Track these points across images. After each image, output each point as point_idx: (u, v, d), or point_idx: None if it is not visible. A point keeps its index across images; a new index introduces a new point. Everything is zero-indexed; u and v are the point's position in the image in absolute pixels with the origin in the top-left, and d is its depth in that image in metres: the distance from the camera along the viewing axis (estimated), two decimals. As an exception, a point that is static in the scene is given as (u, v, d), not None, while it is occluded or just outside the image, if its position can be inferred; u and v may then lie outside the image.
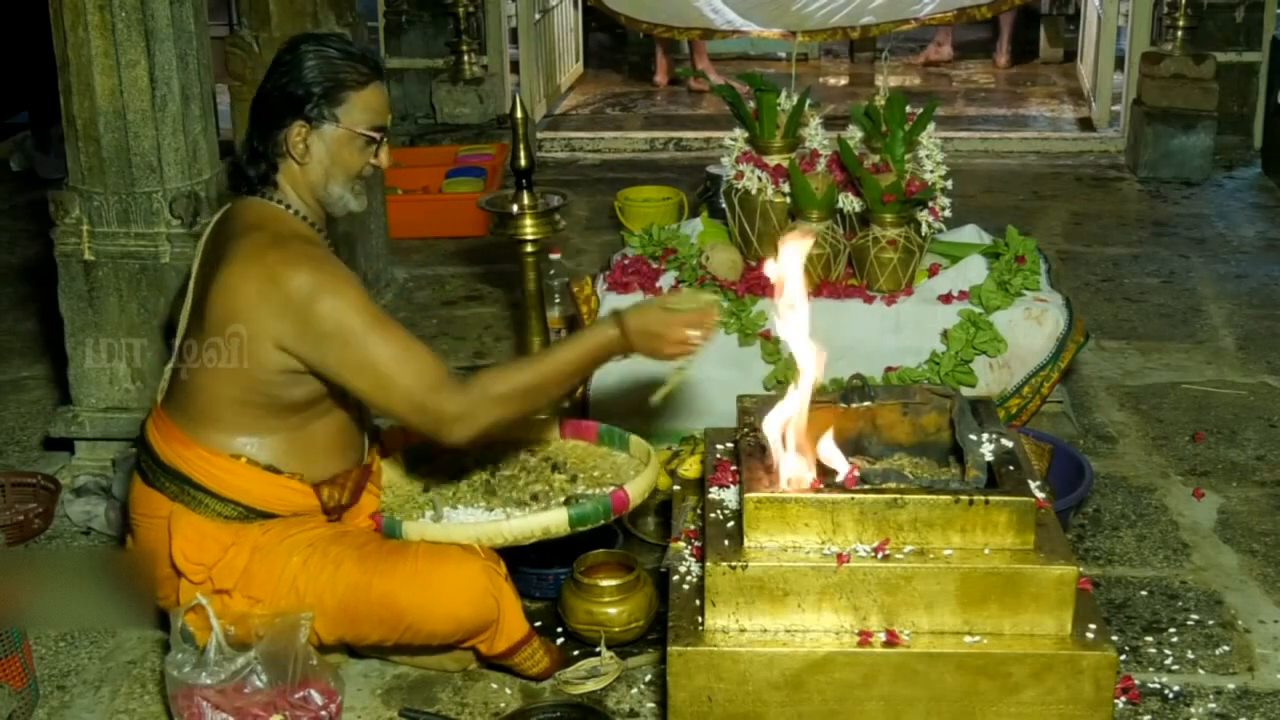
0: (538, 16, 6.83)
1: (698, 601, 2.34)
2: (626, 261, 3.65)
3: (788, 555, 2.29)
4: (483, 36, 6.64)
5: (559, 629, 2.78)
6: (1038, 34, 8.19)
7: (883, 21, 6.70)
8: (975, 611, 2.27)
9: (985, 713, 2.27)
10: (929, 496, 2.29)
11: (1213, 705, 2.55)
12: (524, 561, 2.80)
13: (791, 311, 2.40)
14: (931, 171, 3.42)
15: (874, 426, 2.62)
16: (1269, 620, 2.82)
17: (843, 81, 7.96)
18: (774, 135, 3.55)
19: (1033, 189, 5.95)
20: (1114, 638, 2.49)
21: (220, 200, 3.17)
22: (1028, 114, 7.09)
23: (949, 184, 3.48)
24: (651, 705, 2.57)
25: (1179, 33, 6.07)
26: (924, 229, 3.44)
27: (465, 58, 6.49)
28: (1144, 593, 2.92)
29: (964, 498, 2.28)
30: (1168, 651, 2.71)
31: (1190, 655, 2.70)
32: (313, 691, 2.44)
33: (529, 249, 3.74)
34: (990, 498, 2.28)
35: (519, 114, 3.67)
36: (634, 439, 2.93)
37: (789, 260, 2.39)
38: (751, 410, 2.59)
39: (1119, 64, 6.63)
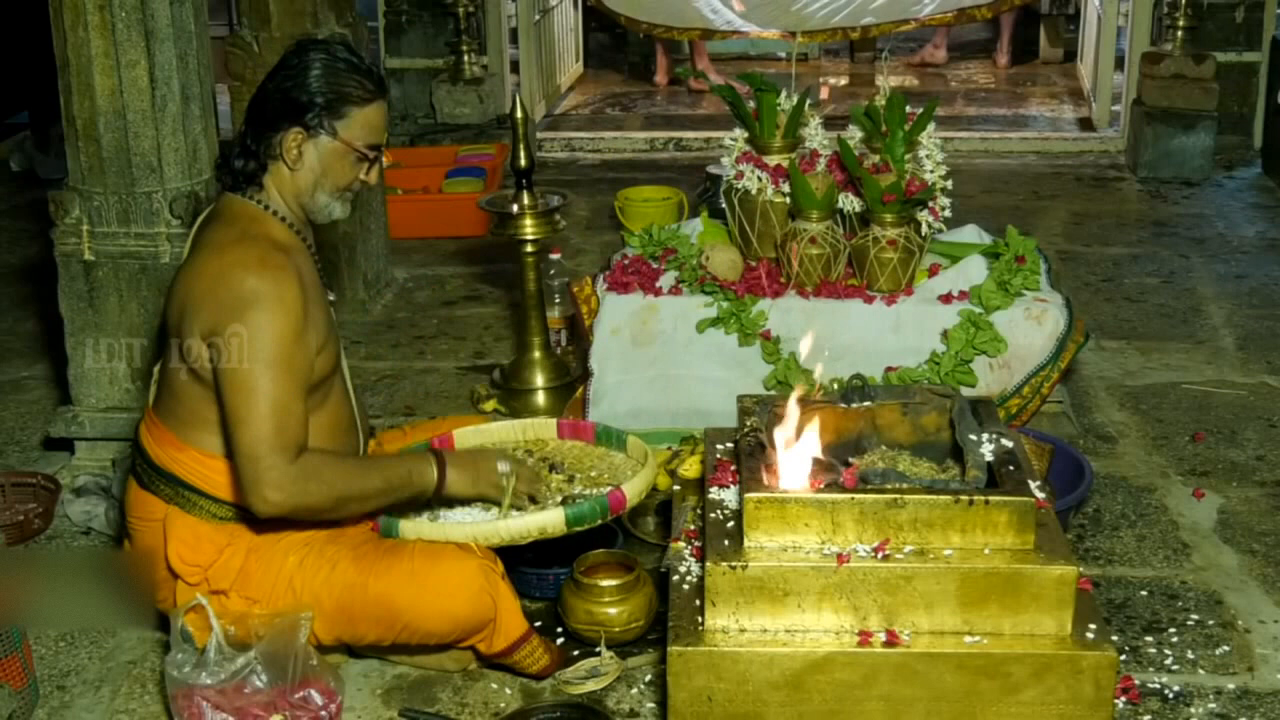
0: (538, 16, 6.83)
1: (698, 601, 2.34)
2: (626, 261, 3.65)
3: (788, 555, 2.29)
4: (483, 36, 6.64)
5: (559, 629, 2.78)
6: (1038, 34, 8.19)
7: (883, 22, 6.71)
8: (975, 611, 2.27)
9: (985, 713, 2.27)
10: (929, 496, 2.29)
11: (1213, 705, 2.55)
12: (523, 561, 2.80)
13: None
14: (931, 171, 3.42)
15: (874, 426, 2.62)
16: (1269, 620, 2.82)
17: (843, 81, 7.97)
18: (774, 135, 3.55)
19: (1033, 189, 5.95)
20: (1114, 638, 2.49)
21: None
22: (1028, 114, 7.09)
23: (949, 184, 3.48)
24: (651, 705, 2.57)
25: (1179, 33, 6.07)
26: (924, 229, 3.44)
27: (465, 58, 6.50)
28: (1144, 593, 2.92)
29: (964, 498, 2.28)
30: (1168, 651, 2.71)
31: (1190, 655, 2.70)
32: (313, 691, 2.44)
33: (529, 249, 3.75)
34: (990, 498, 2.28)
35: (519, 114, 3.68)
36: (632, 439, 2.93)
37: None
38: (751, 410, 2.59)
39: (1119, 64, 6.63)
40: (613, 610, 2.69)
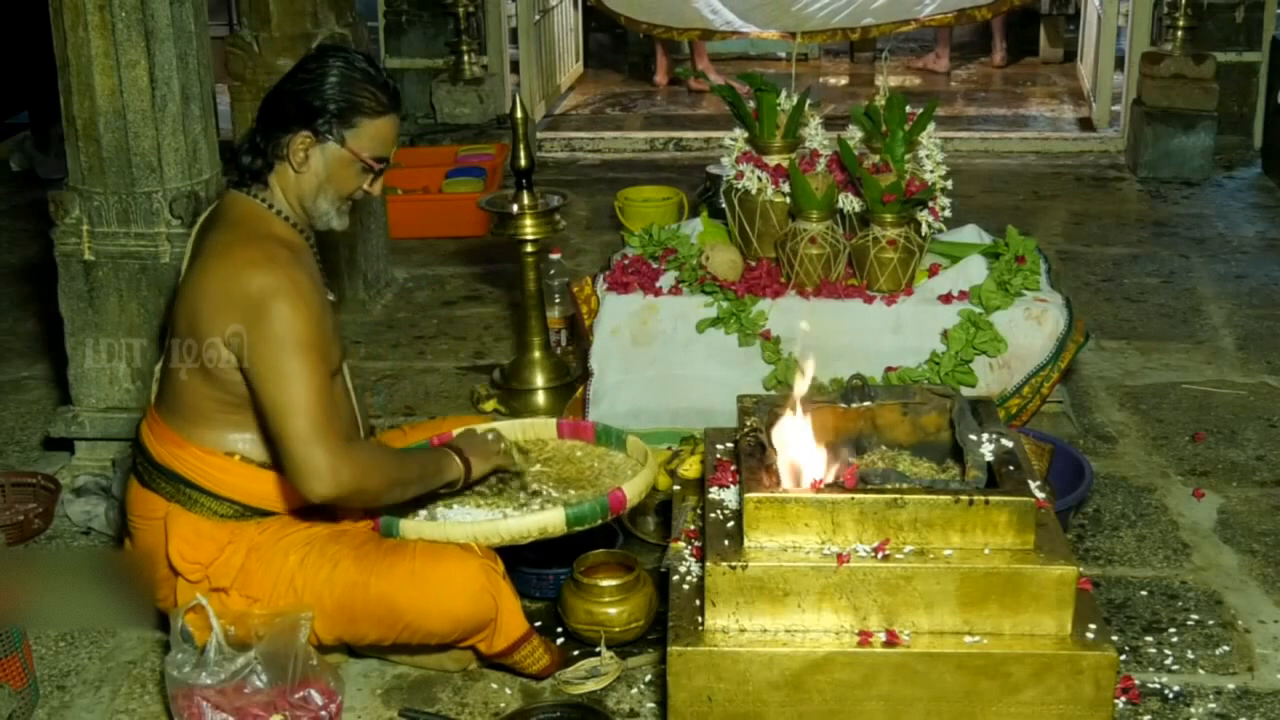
0: (538, 16, 6.83)
1: (698, 601, 2.34)
2: (626, 261, 3.65)
3: (788, 555, 2.29)
4: (483, 36, 6.64)
5: (559, 629, 2.78)
6: (1038, 34, 8.19)
7: (883, 22, 6.71)
8: (975, 611, 2.27)
9: (985, 713, 2.27)
10: (929, 496, 2.29)
11: (1213, 705, 2.55)
12: (524, 561, 2.80)
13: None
14: (931, 171, 3.42)
15: (874, 426, 2.62)
16: (1269, 620, 2.82)
17: (843, 81, 7.97)
18: (774, 135, 3.55)
19: (1033, 189, 5.95)
20: (1114, 638, 2.49)
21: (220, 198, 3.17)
22: (1028, 114, 7.09)
23: (949, 184, 3.48)
24: (651, 705, 2.57)
25: (1179, 33, 6.07)
26: (924, 229, 3.44)
27: (465, 58, 6.50)
28: (1144, 593, 2.92)
29: (964, 498, 2.28)
30: (1168, 651, 2.71)
31: (1190, 655, 2.70)
32: (313, 691, 2.44)
33: (529, 249, 3.75)
34: (990, 498, 2.28)
35: (519, 114, 3.68)
36: (631, 439, 2.93)
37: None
38: (751, 410, 2.59)
39: (1119, 64, 6.63)
40: (613, 610, 2.69)
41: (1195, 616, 2.83)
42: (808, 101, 3.57)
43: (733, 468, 2.55)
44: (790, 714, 2.29)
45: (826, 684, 2.27)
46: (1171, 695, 2.58)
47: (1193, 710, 2.54)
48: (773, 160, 3.54)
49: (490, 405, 3.81)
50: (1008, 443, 2.47)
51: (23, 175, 6.35)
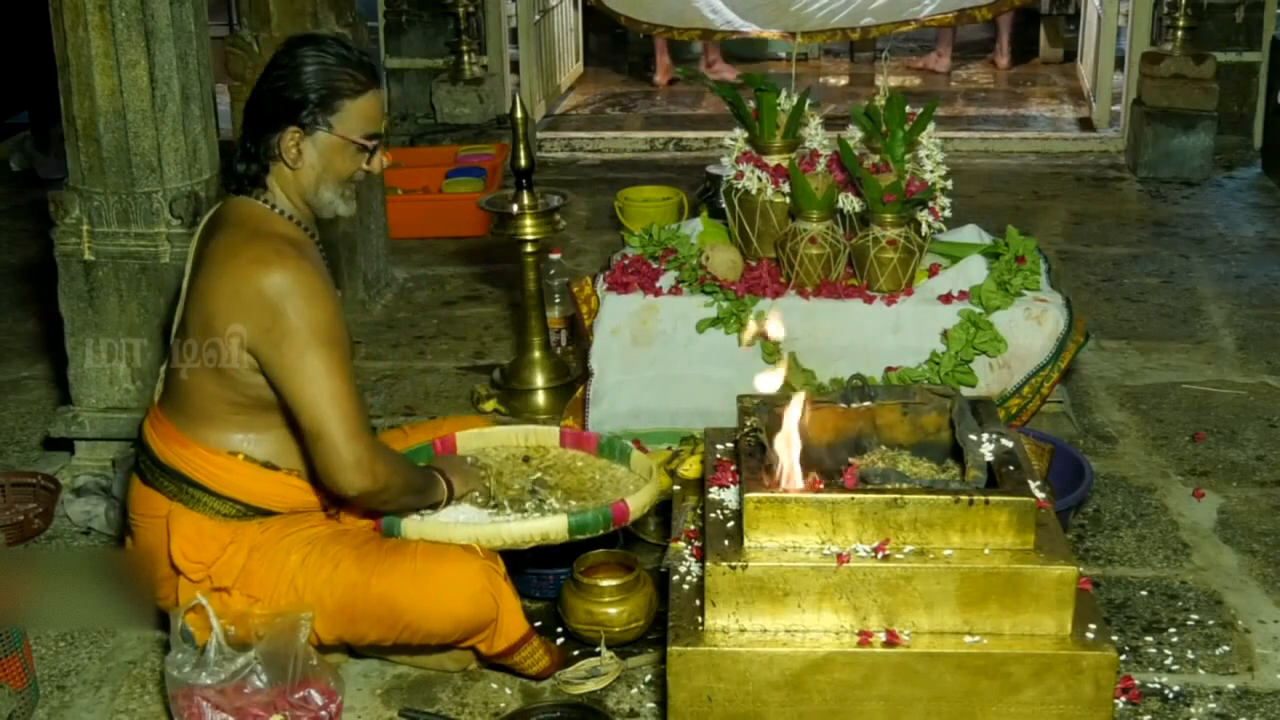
0: (538, 16, 6.83)
1: (698, 601, 2.34)
2: (626, 261, 3.65)
3: (788, 555, 2.29)
4: (483, 36, 6.64)
5: (559, 629, 2.78)
6: (1038, 34, 8.19)
7: (883, 22, 6.70)
8: (975, 611, 2.27)
9: (985, 713, 2.27)
10: (929, 496, 2.29)
11: (1213, 705, 2.55)
12: (524, 561, 2.80)
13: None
14: (931, 171, 3.42)
15: (874, 426, 2.62)
16: (1269, 620, 2.82)
17: (843, 81, 7.97)
18: (774, 135, 3.55)
19: (1033, 189, 5.95)
20: (1114, 638, 2.49)
21: (220, 200, 3.17)
22: (1028, 114, 7.09)
23: (949, 184, 3.48)
24: (651, 705, 2.57)
25: (1179, 33, 6.07)
26: (924, 229, 3.44)
27: (465, 58, 6.50)
28: (1144, 593, 2.92)
29: (964, 498, 2.28)
30: (1168, 651, 2.71)
31: (1190, 655, 2.70)
32: (313, 691, 2.44)
33: (529, 249, 3.75)
34: (990, 498, 2.28)
35: (519, 114, 3.68)
36: (636, 453, 2.92)
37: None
38: (751, 410, 2.59)
39: (1119, 64, 6.63)
40: (613, 610, 2.69)
41: (1195, 616, 2.83)
42: (808, 101, 3.57)
43: (733, 468, 2.55)
44: (790, 714, 2.29)
45: (826, 684, 2.27)
46: (1171, 695, 2.58)
47: (1193, 710, 2.54)
48: (773, 160, 3.54)
49: (490, 405, 3.81)
50: (1008, 443, 2.47)
51: (23, 175, 6.35)
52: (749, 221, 3.56)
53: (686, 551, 2.55)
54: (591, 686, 2.61)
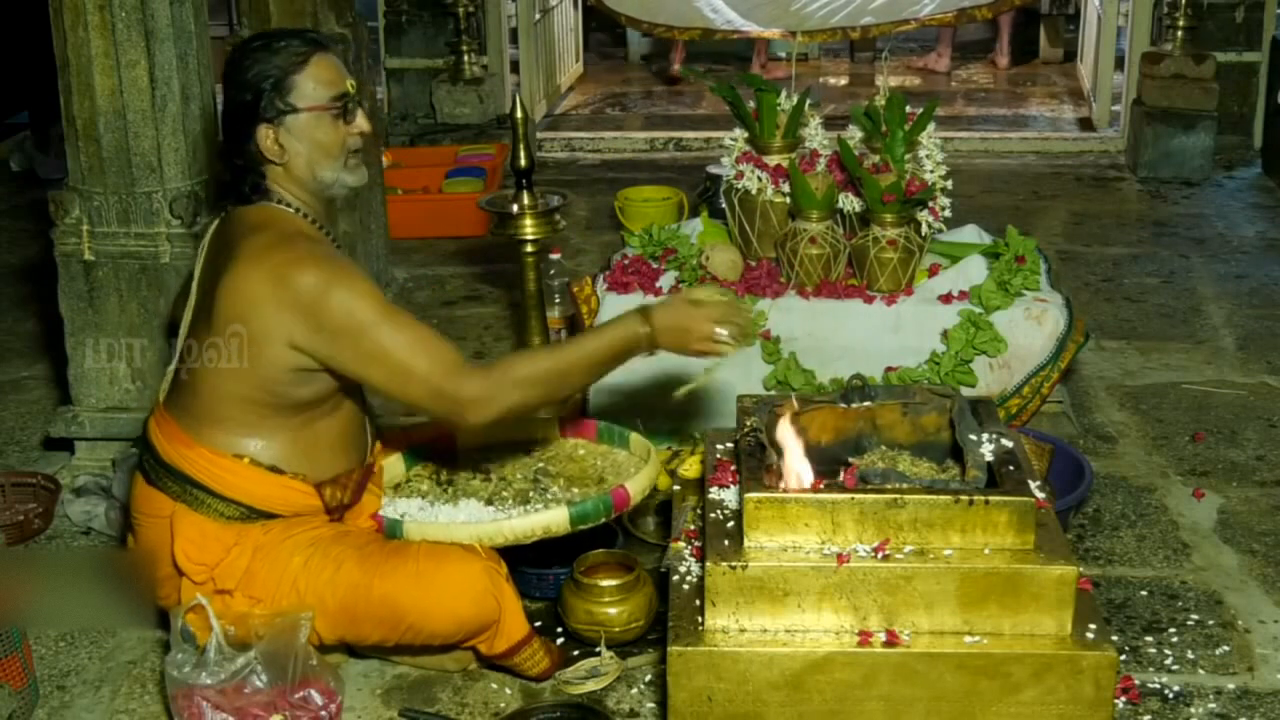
0: (538, 16, 6.83)
1: (698, 601, 2.34)
2: (626, 261, 3.65)
3: (788, 555, 2.29)
4: (483, 36, 6.64)
5: (559, 629, 2.78)
6: (1038, 34, 8.19)
7: (883, 22, 6.70)
8: (975, 611, 2.27)
9: (985, 713, 2.27)
10: (929, 496, 2.29)
11: (1213, 705, 2.55)
12: (524, 561, 2.80)
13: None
14: (931, 171, 3.42)
15: (874, 426, 2.62)
16: (1269, 620, 2.82)
17: (843, 81, 7.97)
18: (774, 135, 3.55)
19: (1033, 189, 5.95)
20: (1114, 638, 2.49)
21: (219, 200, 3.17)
22: (1028, 114, 7.09)
23: (949, 184, 3.48)
24: (651, 705, 2.57)
25: (1179, 33, 6.07)
26: (924, 229, 3.44)
27: (465, 58, 6.50)
28: (1144, 593, 2.92)
29: (964, 498, 2.28)
30: (1168, 651, 2.71)
31: (1190, 655, 2.70)
32: (313, 691, 2.44)
33: (529, 249, 3.74)
34: (990, 498, 2.28)
35: (519, 114, 3.67)
36: (634, 436, 2.93)
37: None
38: (751, 410, 2.59)
39: (1119, 64, 6.63)
40: (613, 610, 2.69)
41: (1195, 616, 2.83)
42: (808, 101, 3.57)
43: (733, 468, 2.55)
44: (790, 714, 2.29)
45: (826, 684, 2.27)
46: (1171, 695, 2.57)
47: (1193, 710, 2.54)
48: (773, 160, 3.54)
49: (490, 405, 3.80)
50: (1008, 443, 2.47)
51: (23, 175, 6.34)
52: (749, 221, 3.56)
53: (686, 551, 2.55)
54: (591, 686, 2.61)
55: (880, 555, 2.27)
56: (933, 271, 3.56)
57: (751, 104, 3.58)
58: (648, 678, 2.65)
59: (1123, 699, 2.51)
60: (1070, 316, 3.44)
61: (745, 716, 2.29)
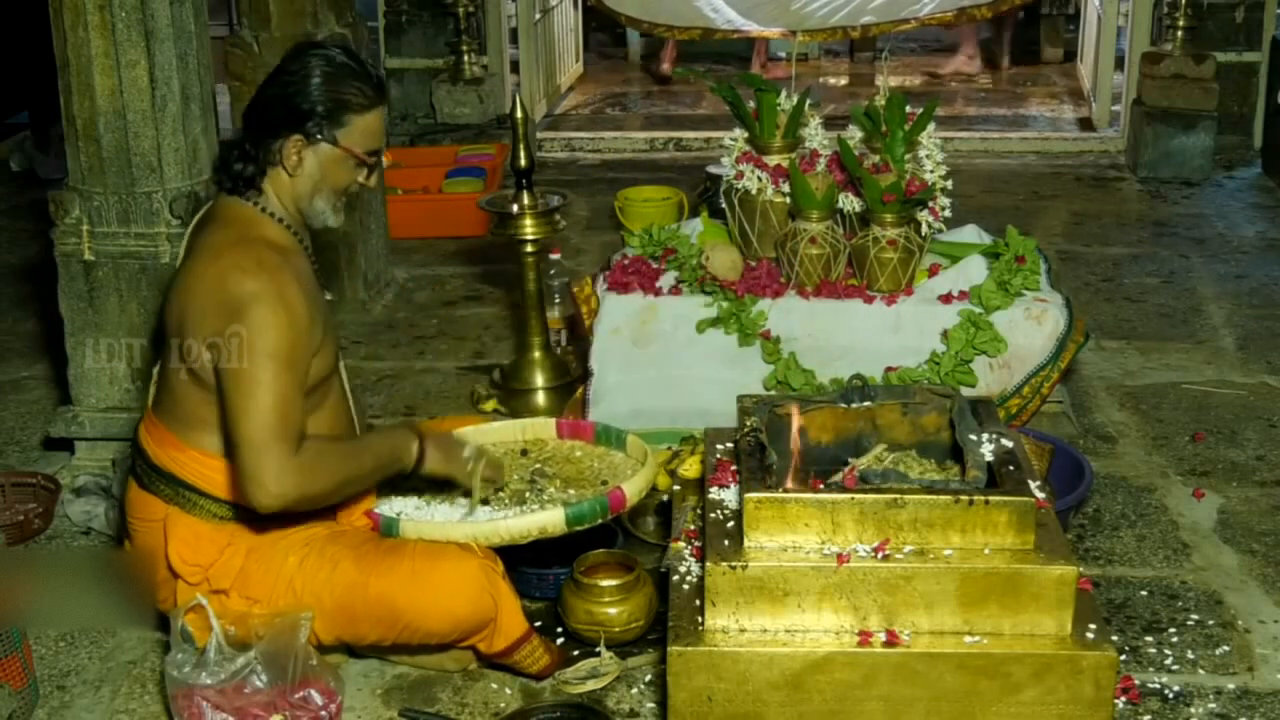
0: (538, 16, 6.83)
1: (698, 601, 2.34)
2: (626, 261, 3.65)
3: (788, 555, 2.29)
4: (483, 36, 6.64)
5: (559, 629, 2.78)
6: (1038, 34, 8.19)
7: (883, 21, 6.70)
8: (975, 611, 2.27)
9: (985, 713, 2.27)
10: (929, 496, 2.29)
11: (1213, 705, 2.55)
12: (523, 561, 2.80)
13: None
14: (931, 171, 3.42)
15: (874, 426, 2.62)
16: (1269, 620, 2.82)
17: (843, 81, 7.97)
18: (774, 135, 3.55)
19: (1033, 189, 5.95)
20: (1114, 638, 2.49)
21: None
22: (1028, 114, 7.09)
23: (949, 184, 3.48)
24: (651, 705, 2.57)
25: (1179, 33, 6.07)
26: (924, 229, 3.44)
27: (465, 58, 6.50)
28: (1144, 593, 2.92)
29: (964, 498, 2.28)
30: (1168, 651, 2.71)
31: (1190, 655, 2.70)
32: (313, 691, 2.44)
33: (529, 249, 3.75)
34: (990, 498, 2.28)
35: (519, 114, 3.68)
36: (631, 438, 2.93)
37: None
38: (751, 410, 2.59)
39: (1119, 64, 6.63)
40: (613, 610, 2.69)
41: (1195, 616, 2.83)
42: (808, 101, 3.57)
43: (733, 468, 2.55)
44: (790, 714, 2.29)
45: (826, 684, 2.27)
46: (1171, 695, 2.58)
47: (1193, 710, 2.54)
48: (773, 160, 3.54)
49: (490, 405, 3.81)
50: (1008, 443, 2.47)
51: (23, 175, 6.35)
52: (749, 221, 3.56)
53: (686, 551, 2.55)
54: (591, 686, 2.61)
55: (880, 555, 2.27)
56: (933, 271, 3.55)
57: (751, 104, 3.58)
58: (648, 678, 2.65)
59: (1123, 699, 2.51)
60: (1070, 316, 3.44)
61: (745, 716, 2.29)
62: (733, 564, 2.27)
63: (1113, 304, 4.58)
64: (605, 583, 2.70)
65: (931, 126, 3.47)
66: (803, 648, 2.27)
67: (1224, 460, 3.51)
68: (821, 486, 2.35)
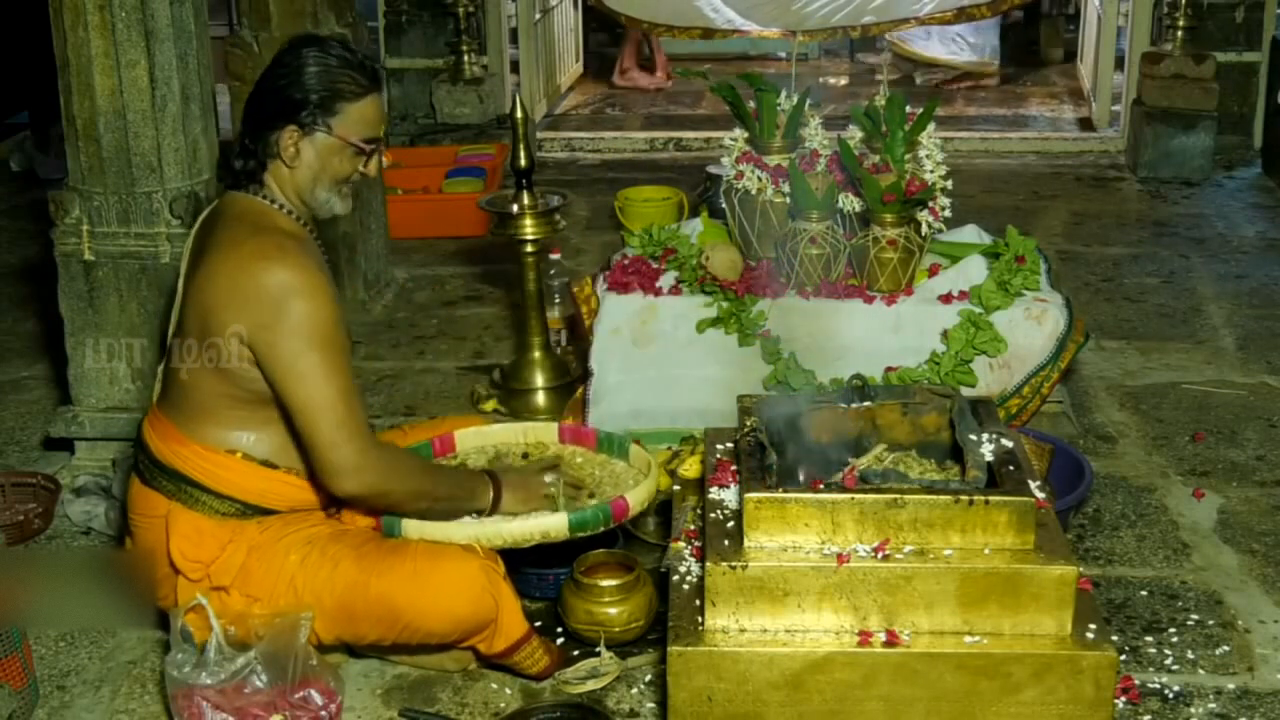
0: (538, 16, 6.83)
1: (698, 601, 2.34)
2: (626, 261, 3.65)
3: (788, 555, 2.29)
4: (483, 36, 6.64)
5: (559, 629, 2.78)
6: (1038, 34, 8.19)
7: (883, 21, 6.69)
8: (975, 611, 2.27)
9: (985, 713, 2.27)
10: (929, 496, 2.29)
11: (1213, 705, 2.55)
12: (524, 561, 2.80)
13: None
14: (931, 171, 3.42)
15: (874, 426, 2.62)
16: (1269, 620, 2.82)
17: (843, 81, 7.97)
18: (774, 135, 3.55)
19: (1033, 189, 5.95)
20: (1114, 638, 2.49)
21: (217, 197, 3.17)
22: (1028, 114, 7.09)
23: (949, 184, 3.47)
24: (651, 705, 2.57)
25: (1179, 33, 6.07)
26: (924, 229, 3.44)
27: (465, 58, 6.50)
28: (1144, 593, 2.92)
29: (964, 498, 2.28)
30: (1168, 651, 2.71)
31: (1190, 655, 2.70)
32: (313, 691, 2.44)
33: (529, 249, 3.75)
34: (990, 498, 2.28)
35: (519, 114, 3.68)
36: (634, 448, 2.92)
37: None
38: (751, 410, 2.59)
39: (1119, 64, 6.63)
40: (613, 610, 2.69)
41: (1195, 616, 2.83)
42: (808, 101, 3.57)
43: (733, 468, 2.55)
44: (790, 714, 2.29)
45: (826, 684, 2.27)
46: (1171, 695, 2.58)
47: (1193, 710, 2.54)
48: (773, 160, 3.54)
49: (490, 405, 3.82)
50: (1008, 443, 2.47)
51: (23, 175, 6.35)
52: (749, 221, 3.56)
53: (686, 551, 2.55)
54: (591, 686, 2.61)
55: (880, 555, 2.27)
56: (933, 271, 3.55)
57: (751, 104, 3.58)
58: (648, 678, 2.65)
59: (1123, 699, 2.51)
60: (1070, 316, 3.44)
61: (745, 716, 2.29)
62: (733, 564, 2.27)
63: (1113, 304, 4.58)
64: (605, 583, 2.70)
65: (931, 126, 3.47)
66: (803, 648, 2.27)
67: (1224, 460, 3.51)
68: (821, 486, 2.35)
